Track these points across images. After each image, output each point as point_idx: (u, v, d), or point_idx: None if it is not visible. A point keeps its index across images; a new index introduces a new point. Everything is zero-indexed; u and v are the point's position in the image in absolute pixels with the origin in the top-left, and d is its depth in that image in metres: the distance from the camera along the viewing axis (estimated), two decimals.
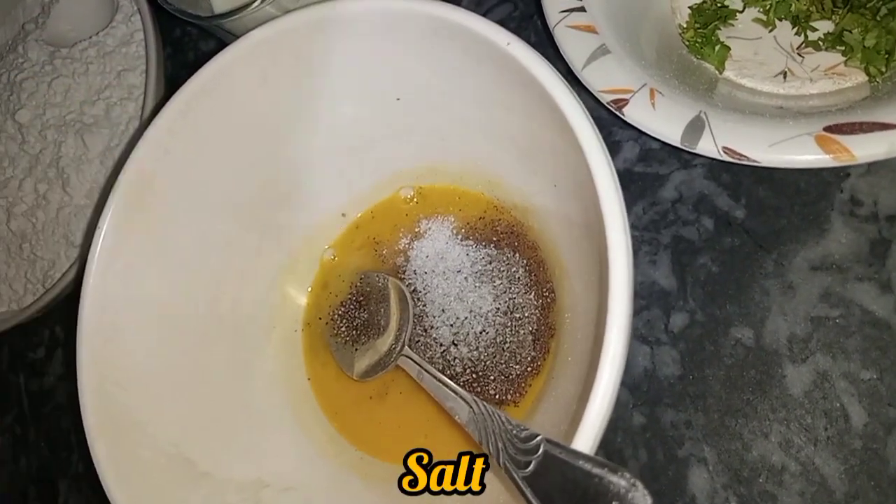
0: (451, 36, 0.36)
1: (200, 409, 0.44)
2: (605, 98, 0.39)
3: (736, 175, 0.45)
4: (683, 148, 0.37)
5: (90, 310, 0.42)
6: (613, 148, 0.48)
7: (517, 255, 0.46)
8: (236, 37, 0.42)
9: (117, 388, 0.42)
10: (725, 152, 0.36)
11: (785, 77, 0.44)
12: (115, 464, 0.39)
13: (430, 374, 0.40)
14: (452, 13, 0.36)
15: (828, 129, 0.35)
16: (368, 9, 0.38)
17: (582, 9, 0.41)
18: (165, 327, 0.44)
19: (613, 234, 0.31)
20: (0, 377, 0.66)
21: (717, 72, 0.45)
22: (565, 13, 0.41)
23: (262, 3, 0.39)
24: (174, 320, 0.44)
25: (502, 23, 0.53)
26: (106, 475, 0.39)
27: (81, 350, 0.41)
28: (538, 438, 0.30)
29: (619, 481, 0.26)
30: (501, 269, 0.46)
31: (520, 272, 0.46)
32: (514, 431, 0.32)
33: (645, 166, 0.47)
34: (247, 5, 0.40)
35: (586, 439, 0.29)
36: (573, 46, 0.40)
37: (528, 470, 0.30)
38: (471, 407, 0.35)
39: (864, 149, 0.34)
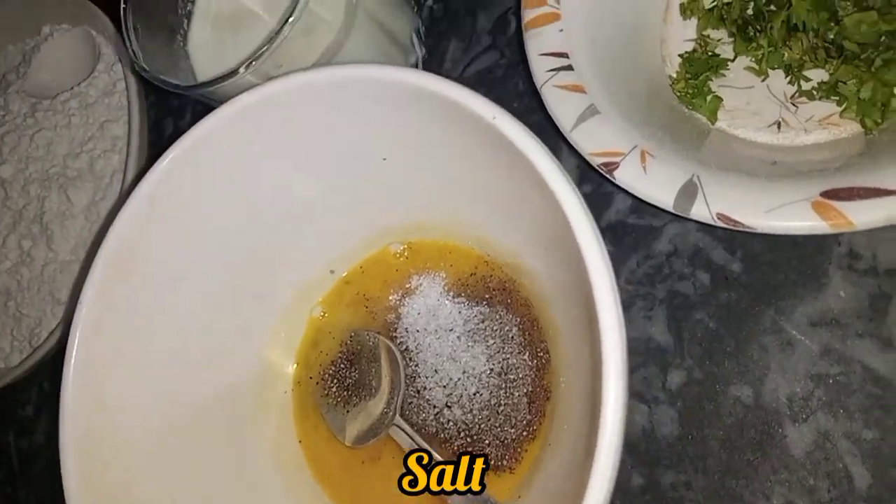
0: (437, 105, 0.35)
1: (188, 484, 0.43)
2: (595, 161, 0.38)
3: (730, 228, 0.44)
4: (677, 214, 0.36)
5: (73, 388, 0.41)
6: (606, 199, 0.47)
7: (510, 313, 0.45)
8: (218, 102, 0.41)
9: (103, 466, 0.41)
10: (720, 218, 0.35)
11: (779, 127, 0.43)
12: None
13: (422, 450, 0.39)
14: (439, 85, 0.35)
15: (825, 194, 0.34)
16: (351, 76, 0.37)
17: (569, 67, 0.40)
18: (152, 403, 0.43)
19: (604, 309, 0.30)
20: None
21: (709, 123, 0.44)
22: (552, 72, 0.40)
23: (245, 71, 0.38)
24: (161, 395, 0.43)
25: (489, 70, 0.52)
26: None
27: (64, 430, 0.40)
28: None
29: None
30: (494, 327, 0.45)
31: (513, 331, 0.45)
32: None
33: (638, 218, 0.46)
34: (229, 74, 0.39)
35: None
36: (561, 108, 0.39)
37: None
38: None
39: (863, 216, 0.33)
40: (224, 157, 0.42)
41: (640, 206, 0.46)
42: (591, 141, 0.38)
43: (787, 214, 0.34)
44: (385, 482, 0.46)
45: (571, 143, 0.39)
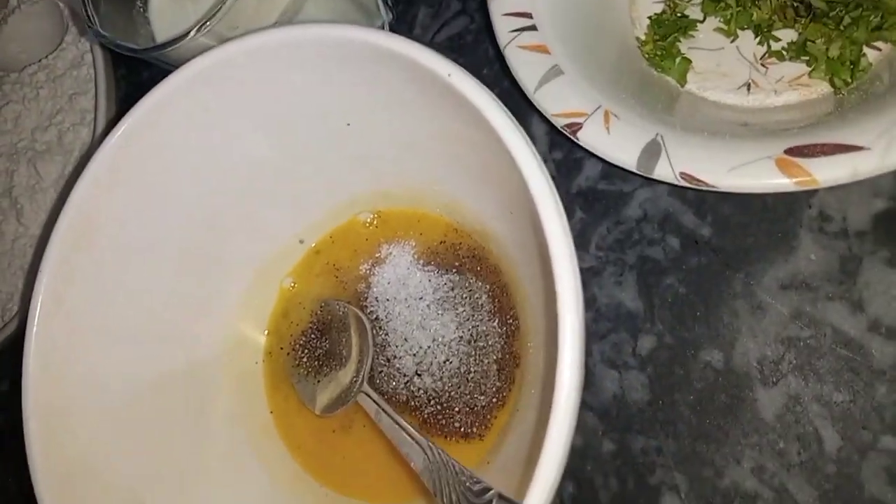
0: (394, 65, 0.35)
1: (156, 454, 0.42)
2: (559, 122, 0.37)
3: (701, 192, 0.43)
4: (639, 174, 0.36)
5: (35, 359, 0.40)
6: (576, 165, 0.47)
7: (479, 280, 0.45)
8: (176, 67, 0.40)
9: (68, 437, 0.40)
10: (683, 178, 0.34)
11: (749, 89, 0.42)
12: None
13: (388, 415, 0.39)
14: (393, 42, 0.34)
15: (789, 151, 0.33)
16: (303, 36, 0.36)
17: (533, 27, 0.40)
18: (116, 373, 0.42)
19: (560, 266, 0.30)
20: None
21: (678, 85, 0.43)
22: (515, 32, 0.39)
23: (196, 33, 0.37)
24: (126, 365, 0.42)
25: (459, 36, 0.52)
26: None
27: (27, 402, 0.39)
28: (491, 493, 0.29)
29: None
30: (464, 295, 0.45)
31: (483, 298, 0.44)
32: (468, 483, 0.31)
33: (608, 184, 0.45)
34: (182, 36, 0.38)
35: (539, 495, 0.27)
36: (525, 69, 0.39)
37: None
38: (426, 454, 0.34)
39: (826, 173, 0.32)
40: (183, 121, 0.41)
41: (611, 171, 0.45)
42: (555, 102, 0.38)
43: (751, 172, 0.33)
44: (355, 450, 0.45)
45: (535, 104, 0.38)
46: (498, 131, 0.31)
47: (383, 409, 0.39)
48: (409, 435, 0.36)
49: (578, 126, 0.37)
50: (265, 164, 0.45)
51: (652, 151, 0.35)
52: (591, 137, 0.36)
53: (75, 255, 0.41)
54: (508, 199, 0.38)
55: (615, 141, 0.36)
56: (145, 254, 0.43)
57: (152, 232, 0.43)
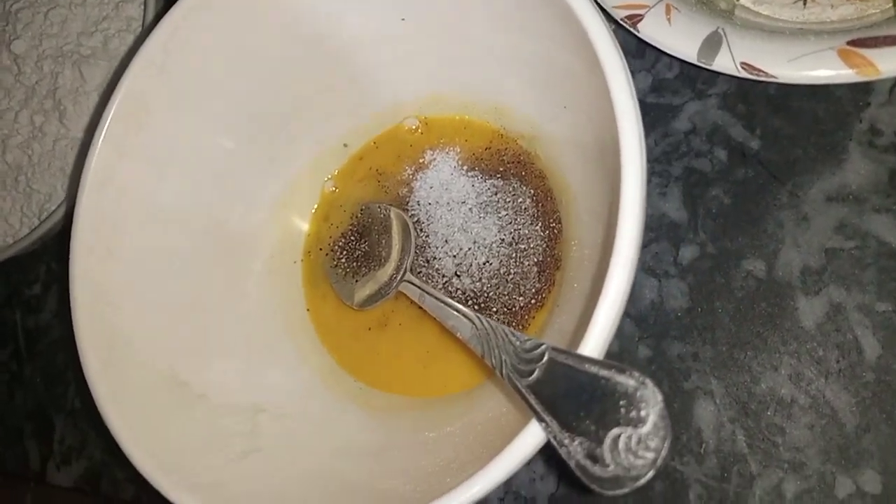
0: None
1: (197, 333, 0.43)
2: (619, 14, 0.38)
3: (751, 105, 0.43)
4: (699, 65, 0.36)
5: (83, 229, 0.41)
6: None
7: (524, 185, 0.45)
8: None
9: (111, 309, 0.41)
10: (743, 68, 0.35)
11: (805, 3, 0.42)
12: (108, 382, 0.38)
13: (432, 296, 0.39)
14: None
15: (851, 43, 0.33)
16: None
17: None
18: (161, 248, 0.43)
19: (628, 148, 0.30)
20: None
21: (733, 0, 0.43)
22: None
23: None
24: (170, 241, 0.43)
25: None
26: (99, 393, 0.38)
27: (75, 270, 0.40)
28: (542, 347, 0.29)
29: (628, 381, 0.25)
30: (507, 199, 0.45)
31: (526, 202, 0.45)
32: (518, 343, 0.31)
33: (657, 97, 0.46)
34: None
35: (594, 343, 0.28)
36: None
37: (531, 378, 0.29)
38: (473, 323, 0.34)
39: (889, 63, 0.32)
40: (239, 8, 0.41)
41: (661, 84, 0.46)
42: None
43: (813, 62, 0.34)
44: (390, 347, 0.46)
45: None
46: (576, 13, 0.31)
47: (426, 292, 0.39)
48: (455, 309, 0.36)
49: (639, 17, 0.37)
50: (315, 61, 0.45)
51: (713, 43, 0.35)
52: (652, 29, 0.37)
53: (127, 132, 0.42)
54: (567, 93, 0.38)
55: (676, 32, 0.36)
56: (194, 138, 0.44)
57: (203, 114, 0.44)
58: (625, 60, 0.31)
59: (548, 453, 0.44)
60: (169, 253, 0.43)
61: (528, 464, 0.38)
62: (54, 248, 0.63)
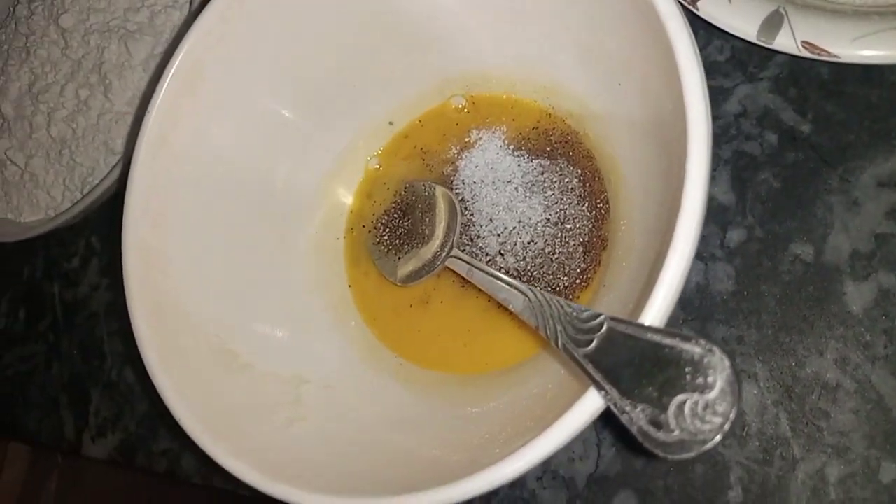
0: None
1: (244, 303, 0.43)
2: None
3: (803, 89, 0.43)
4: (760, 43, 0.36)
5: (137, 194, 0.41)
6: None
7: (571, 165, 0.45)
8: None
9: (162, 276, 0.41)
10: (805, 47, 0.35)
11: None
12: (158, 348, 0.39)
13: (482, 270, 0.39)
14: None
15: None
16: None
17: None
18: (212, 216, 0.43)
19: (695, 122, 0.30)
20: (35, 285, 0.66)
21: None
22: None
23: None
24: (221, 209, 0.43)
25: None
26: (150, 358, 0.38)
27: (127, 234, 0.41)
28: (601, 317, 0.29)
29: (694, 348, 0.25)
30: (554, 179, 0.45)
31: (573, 182, 0.45)
32: (574, 314, 0.31)
33: (708, 79, 0.44)
34: None
35: (656, 313, 0.28)
36: None
37: (589, 348, 0.29)
38: (526, 296, 0.35)
39: None
40: None
41: (712, 67, 0.45)
42: None
43: (877, 42, 0.34)
44: (431, 324, 0.46)
45: None
46: None
47: (476, 266, 0.40)
48: (506, 283, 0.36)
49: None
50: (366, 35, 0.45)
51: (774, 21, 0.35)
52: (712, 7, 0.37)
53: (182, 100, 0.42)
54: (622, 68, 0.38)
55: (736, 10, 0.36)
56: (246, 105, 0.44)
57: (255, 86, 0.44)
58: (692, 33, 0.31)
59: (589, 430, 0.44)
60: (219, 221, 0.43)
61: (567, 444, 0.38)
62: (95, 222, 0.63)
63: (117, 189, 0.56)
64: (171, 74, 0.42)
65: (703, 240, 0.43)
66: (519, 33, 0.43)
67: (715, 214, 0.44)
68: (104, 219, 0.63)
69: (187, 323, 0.41)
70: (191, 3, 0.58)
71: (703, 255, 0.43)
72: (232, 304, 0.43)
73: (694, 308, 0.43)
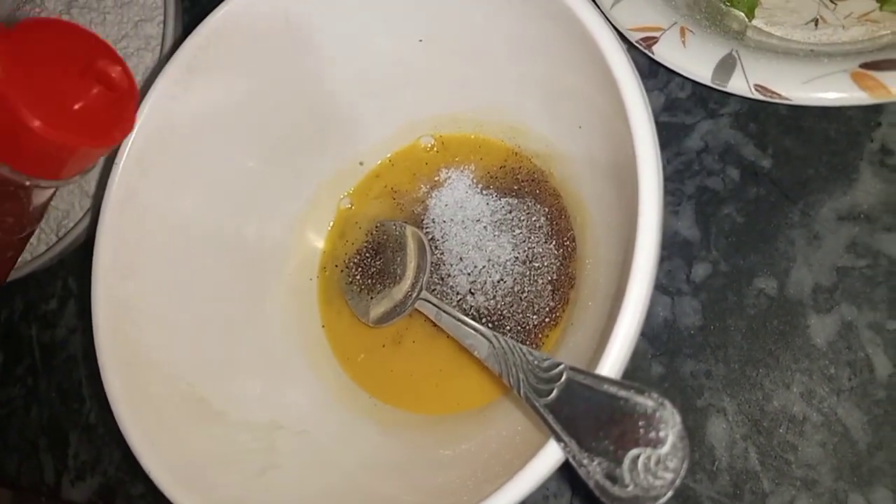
0: None
1: (215, 350, 0.44)
2: (634, 36, 0.38)
3: (763, 125, 0.44)
4: (714, 86, 0.36)
5: (106, 247, 0.41)
6: None
7: (538, 203, 0.46)
8: None
9: (133, 327, 0.41)
10: (757, 90, 0.35)
11: (816, 24, 0.43)
12: (129, 400, 0.39)
13: (449, 315, 0.39)
14: None
15: (864, 66, 0.34)
16: None
17: None
18: (182, 266, 0.43)
19: (645, 167, 0.31)
20: (12, 328, 0.66)
21: (746, 19, 0.44)
22: None
23: None
24: (191, 259, 0.44)
25: None
26: (120, 411, 0.38)
27: (97, 287, 0.41)
28: (560, 367, 0.30)
29: (646, 401, 0.26)
30: (522, 217, 0.46)
31: (541, 221, 0.45)
32: (536, 362, 0.31)
33: (670, 116, 0.46)
34: None
35: (612, 363, 0.28)
36: None
37: (549, 398, 0.29)
38: (490, 342, 0.35)
39: None
40: (261, 31, 0.42)
41: (673, 104, 0.46)
42: (631, 16, 0.39)
43: (826, 85, 0.34)
44: (405, 364, 0.46)
45: (611, 19, 0.39)
46: (591, 33, 0.32)
47: (443, 310, 0.40)
48: (472, 328, 0.37)
49: (654, 40, 0.38)
50: (334, 81, 0.46)
51: (727, 65, 0.36)
52: (667, 51, 0.37)
53: (150, 151, 0.42)
54: (581, 112, 0.39)
55: (691, 54, 0.37)
56: (215, 157, 0.44)
57: (225, 134, 0.44)
58: (640, 81, 0.31)
59: (561, 471, 0.45)
60: (189, 272, 0.43)
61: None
62: (71, 264, 0.64)
63: (90, 234, 0.56)
64: (138, 125, 0.42)
65: (669, 274, 0.44)
66: (483, 78, 0.44)
67: (680, 249, 0.44)
68: (80, 260, 0.63)
69: (159, 373, 0.41)
70: (161, 47, 0.58)
71: (669, 289, 0.44)
72: (204, 353, 0.43)
73: (662, 343, 0.43)
